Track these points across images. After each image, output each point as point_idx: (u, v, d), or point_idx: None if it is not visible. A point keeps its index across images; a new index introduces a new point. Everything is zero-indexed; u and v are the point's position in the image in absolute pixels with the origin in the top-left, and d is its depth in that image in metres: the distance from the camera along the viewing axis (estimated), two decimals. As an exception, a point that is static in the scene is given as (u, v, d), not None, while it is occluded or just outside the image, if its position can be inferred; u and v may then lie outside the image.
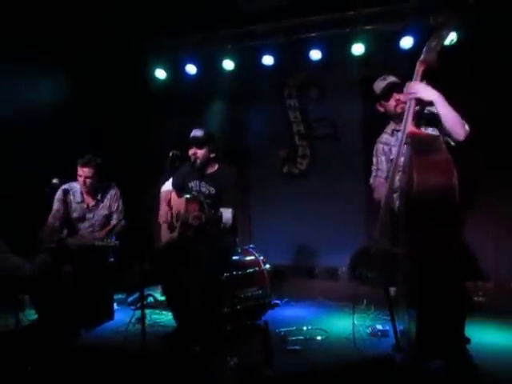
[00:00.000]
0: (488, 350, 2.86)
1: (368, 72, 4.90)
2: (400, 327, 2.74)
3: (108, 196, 4.08)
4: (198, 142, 3.40)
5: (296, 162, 5.64)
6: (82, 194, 4.04)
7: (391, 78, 2.85)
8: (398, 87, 2.79)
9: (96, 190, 4.04)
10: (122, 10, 4.74)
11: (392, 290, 2.98)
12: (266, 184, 5.59)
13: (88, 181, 3.91)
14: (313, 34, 4.95)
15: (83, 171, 3.87)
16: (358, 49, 4.86)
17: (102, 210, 4.06)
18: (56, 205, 4.00)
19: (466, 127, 2.59)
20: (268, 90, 5.60)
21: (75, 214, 4.04)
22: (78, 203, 4.04)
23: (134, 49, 5.30)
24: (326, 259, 5.31)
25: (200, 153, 3.41)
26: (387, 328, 3.18)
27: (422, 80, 2.53)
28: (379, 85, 2.86)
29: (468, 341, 2.52)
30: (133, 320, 3.47)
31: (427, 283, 2.37)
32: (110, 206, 4.07)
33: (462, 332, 2.47)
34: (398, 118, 2.80)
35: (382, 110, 2.92)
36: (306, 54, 5.05)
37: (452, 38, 2.42)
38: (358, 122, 5.18)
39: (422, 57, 2.51)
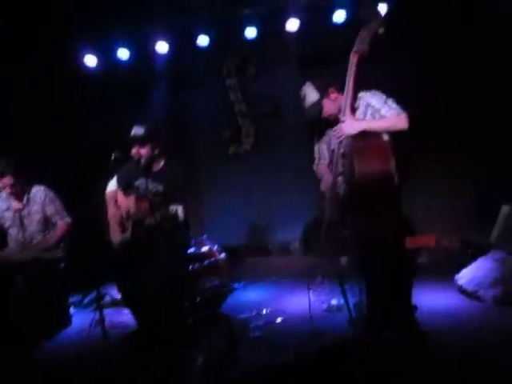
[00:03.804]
0: (433, 313, 3.08)
1: (304, 47, 4.97)
2: (352, 300, 2.89)
3: (36, 199, 3.81)
4: (140, 141, 3.29)
5: (241, 142, 5.64)
6: (5, 200, 3.82)
7: (311, 95, 2.80)
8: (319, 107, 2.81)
9: (22, 192, 3.80)
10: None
11: (343, 259, 3.13)
12: (214, 166, 5.58)
13: (13, 189, 3.70)
14: (246, 11, 4.88)
15: (3, 182, 3.63)
16: (292, 24, 4.86)
17: (35, 215, 3.80)
18: None
19: (403, 115, 2.65)
20: (206, 70, 5.50)
21: (7, 223, 3.82)
22: (5, 211, 3.82)
23: (60, 36, 4.97)
24: (278, 235, 5.46)
25: (143, 151, 3.31)
26: (342, 302, 3.33)
27: (357, 69, 2.59)
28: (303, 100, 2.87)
29: (415, 308, 2.72)
30: (93, 323, 3.44)
31: (373, 261, 2.54)
32: (42, 210, 3.81)
33: (409, 301, 2.67)
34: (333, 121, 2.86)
35: None
36: (241, 32, 5.00)
37: (382, 27, 2.46)
38: (299, 98, 5.19)
39: (354, 48, 2.58)
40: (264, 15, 4.87)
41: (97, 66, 5.26)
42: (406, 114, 2.67)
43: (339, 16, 4.70)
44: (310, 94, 2.81)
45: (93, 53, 5.21)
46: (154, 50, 5.12)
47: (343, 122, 2.64)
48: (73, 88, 5.29)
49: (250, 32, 5.00)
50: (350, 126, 2.62)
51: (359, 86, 2.72)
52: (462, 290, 3.44)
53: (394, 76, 4.45)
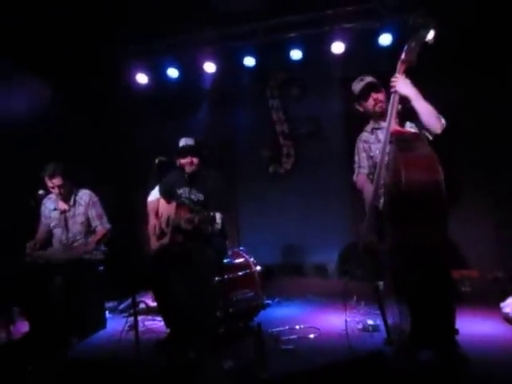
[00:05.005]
0: (476, 339, 2.91)
1: (348, 70, 4.99)
2: (390, 321, 2.79)
3: (82, 202, 3.97)
4: (193, 151, 3.41)
5: (281, 162, 5.67)
6: (54, 201, 3.99)
7: (368, 79, 2.91)
8: (375, 87, 2.87)
9: (69, 193, 3.97)
10: (99, 17, 4.69)
11: (380, 284, 3.04)
12: (253, 185, 5.62)
13: (62, 189, 3.86)
14: (292, 34, 4.99)
15: (53, 182, 3.80)
16: (337, 47, 4.92)
17: (79, 217, 3.95)
18: (41, 218, 4.02)
19: (442, 121, 2.68)
20: (250, 91, 5.62)
21: (53, 223, 3.99)
22: (52, 211, 4.00)
23: (113, 55, 5.26)
24: (314, 256, 5.37)
25: (195, 160, 3.42)
26: (378, 322, 3.22)
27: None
28: (357, 85, 2.93)
29: (457, 331, 2.58)
30: (126, 327, 3.47)
31: (415, 276, 2.42)
32: (85, 212, 3.96)
33: (451, 322, 2.53)
34: (378, 116, 2.89)
35: (361, 109, 3.00)
36: (286, 54, 5.11)
37: (431, 37, 2.45)
38: (341, 120, 5.23)
39: (402, 56, 2.56)
40: (309, 38, 4.96)
41: (148, 83, 5.49)
42: (444, 123, 2.68)
43: (385, 39, 4.72)
44: (369, 78, 2.90)
45: (144, 72, 5.45)
46: (201, 70, 5.30)
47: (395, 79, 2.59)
48: (124, 103, 5.56)
49: (296, 54, 5.10)
50: (403, 83, 2.57)
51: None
52: (507, 319, 3.25)
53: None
